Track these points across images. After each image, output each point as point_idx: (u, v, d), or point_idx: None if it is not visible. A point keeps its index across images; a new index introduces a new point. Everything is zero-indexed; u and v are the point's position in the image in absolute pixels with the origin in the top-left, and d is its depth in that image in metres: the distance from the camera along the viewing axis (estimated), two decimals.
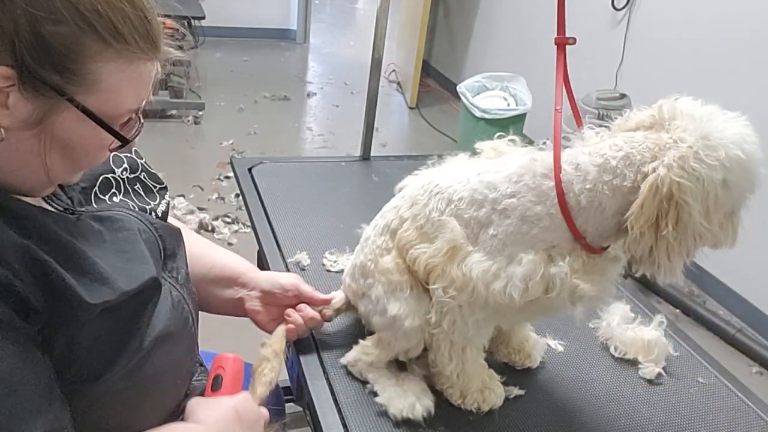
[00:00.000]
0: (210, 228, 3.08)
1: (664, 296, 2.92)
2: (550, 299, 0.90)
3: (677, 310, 2.86)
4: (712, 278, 2.96)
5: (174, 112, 4.27)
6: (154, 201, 0.94)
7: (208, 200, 3.32)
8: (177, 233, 0.94)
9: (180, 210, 3.15)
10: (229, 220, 3.15)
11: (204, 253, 1.12)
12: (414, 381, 1.04)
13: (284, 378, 1.41)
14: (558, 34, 0.97)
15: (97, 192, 0.85)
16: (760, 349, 2.62)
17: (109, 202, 0.86)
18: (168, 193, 0.97)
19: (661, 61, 3.17)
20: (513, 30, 4.45)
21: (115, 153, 0.84)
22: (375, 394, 1.02)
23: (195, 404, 0.89)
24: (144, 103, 0.74)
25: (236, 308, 1.10)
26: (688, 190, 0.80)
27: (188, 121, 4.22)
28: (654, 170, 0.82)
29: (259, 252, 1.47)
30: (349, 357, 1.06)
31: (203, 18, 4.36)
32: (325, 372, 1.06)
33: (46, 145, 0.69)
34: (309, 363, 1.08)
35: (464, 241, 0.94)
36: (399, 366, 1.08)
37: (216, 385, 0.93)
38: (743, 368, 2.57)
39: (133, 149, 0.93)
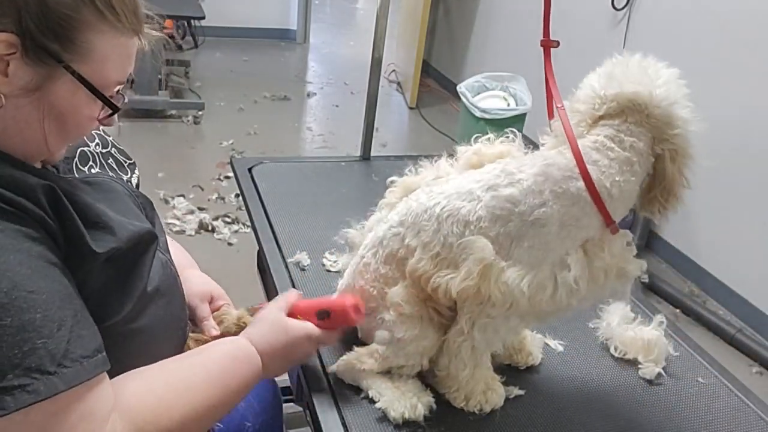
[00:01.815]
0: (210, 228, 3.07)
1: (664, 296, 2.91)
2: (592, 289, 0.95)
3: (677, 310, 2.86)
4: (712, 278, 2.96)
5: (174, 112, 4.27)
6: (126, 175, 0.97)
7: (208, 200, 3.31)
8: (152, 204, 0.98)
9: (180, 210, 3.15)
10: (229, 220, 3.15)
11: None
12: (410, 380, 1.03)
13: (284, 378, 1.41)
14: (543, 36, 1.03)
15: (78, 163, 0.89)
16: (760, 349, 2.62)
17: (88, 173, 0.90)
18: (137, 168, 1.02)
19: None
20: (513, 30, 4.45)
21: None
22: (372, 401, 1.01)
23: (263, 316, 0.99)
24: (127, 77, 0.80)
25: None
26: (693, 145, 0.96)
27: (188, 121, 4.22)
28: (663, 150, 0.94)
29: (259, 252, 1.47)
30: (340, 365, 1.04)
31: (203, 18, 4.36)
32: (325, 372, 1.06)
33: (42, 112, 0.74)
34: (309, 363, 1.08)
35: (495, 258, 0.93)
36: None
37: (322, 317, 1.01)
38: (743, 368, 2.57)
39: (101, 128, 0.97)
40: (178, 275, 0.97)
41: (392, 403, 0.99)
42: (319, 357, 1.09)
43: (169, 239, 1.14)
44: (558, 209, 0.92)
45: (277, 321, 0.98)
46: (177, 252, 1.15)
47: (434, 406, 1.01)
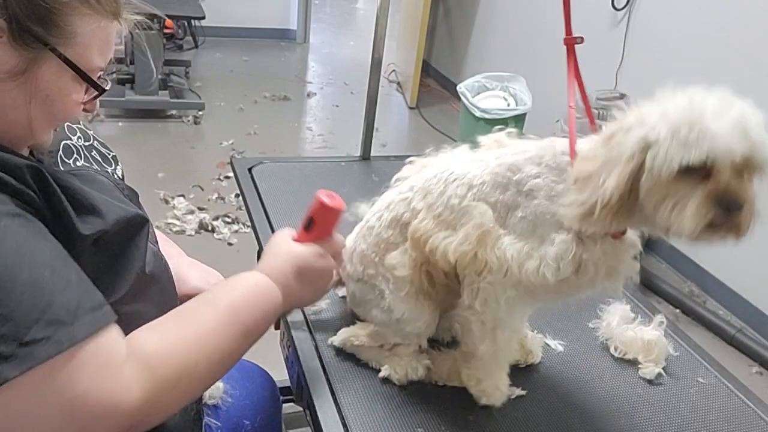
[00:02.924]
0: (210, 228, 3.07)
1: (664, 296, 2.92)
2: (581, 280, 0.93)
3: (677, 310, 2.86)
4: (712, 278, 2.96)
5: (174, 112, 4.27)
6: (110, 167, 0.98)
7: (208, 200, 3.32)
8: (137, 196, 0.98)
9: (180, 210, 3.15)
10: (229, 220, 3.15)
11: None
12: (405, 347, 1.07)
13: (284, 378, 1.41)
14: (566, 35, 0.99)
15: (62, 156, 0.90)
16: (760, 349, 2.62)
17: (73, 166, 0.91)
18: (119, 161, 1.02)
19: (661, 61, 3.17)
20: (513, 30, 4.45)
21: (68, 124, 0.93)
22: (376, 370, 1.06)
23: (266, 250, 0.98)
24: (108, 63, 0.81)
25: None
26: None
27: (188, 121, 4.22)
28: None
29: (259, 252, 1.47)
30: (340, 338, 1.09)
31: (203, 18, 4.36)
32: (325, 372, 1.06)
33: (28, 96, 0.75)
34: (309, 363, 1.08)
35: (494, 224, 0.94)
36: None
37: (308, 226, 0.98)
38: (743, 368, 2.57)
39: (82, 122, 0.99)
40: (168, 266, 0.97)
41: (394, 368, 1.04)
42: (319, 357, 1.09)
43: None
44: (548, 182, 0.92)
45: (279, 248, 0.96)
46: (162, 242, 1.16)
47: (431, 367, 1.06)
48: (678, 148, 0.80)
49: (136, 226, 0.86)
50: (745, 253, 2.80)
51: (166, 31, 5.21)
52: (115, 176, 0.97)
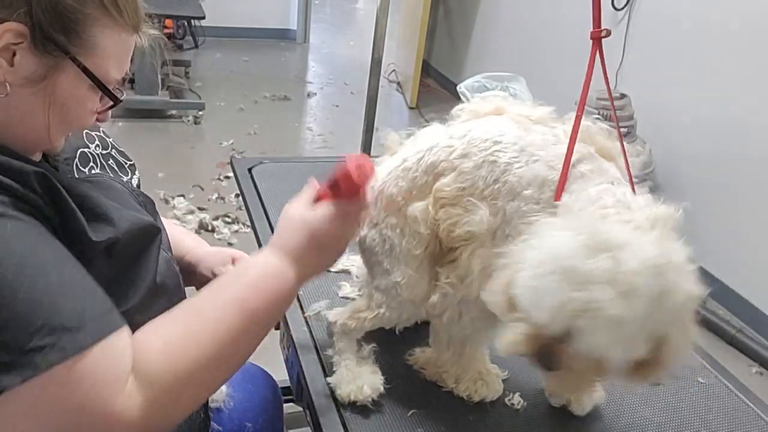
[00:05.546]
0: (210, 228, 3.07)
1: None
2: None
3: None
4: (712, 278, 2.96)
5: (174, 112, 4.27)
6: (126, 176, 0.97)
7: (208, 200, 3.32)
8: (153, 203, 0.98)
9: (180, 210, 3.15)
10: (229, 220, 3.15)
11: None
12: (368, 366, 1.04)
13: (284, 378, 1.41)
14: (594, 28, 0.91)
15: (78, 164, 0.90)
16: (760, 349, 2.62)
17: (88, 174, 0.90)
18: (137, 169, 1.01)
19: (661, 61, 3.17)
20: (513, 30, 4.45)
21: (87, 131, 0.93)
22: (331, 370, 1.03)
23: (280, 222, 0.89)
24: (124, 75, 0.81)
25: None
26: None
27: (188, 121, 4.22)
28: None
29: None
30: (336, 316, 1.04)
31: (203, 18, 4.36)
32: (325, 372, 1.06)
33: (46, 102, 0.75)
34: (309, 363, 1.08)
35: (486, 234, 0.90)
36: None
37: (334, 190, 0.88)
38: (743, 368, 2.57)
39: (101, 129, 0.98)
40: (178, 274, 0.97)
41: (341, 383, 1.01)
42: (319, 357, 1.09)
43: (170, 222, 1.14)
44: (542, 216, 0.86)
45: (293, 217, 0.88)
46: (182, 234, 1.17)
47: (381, 389, 1.01)
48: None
49: (149, 236, 0.85)
50: (745, 253, 2.81)
51: (165, 31, 5.21)
52: (130, 184, 0.96)
